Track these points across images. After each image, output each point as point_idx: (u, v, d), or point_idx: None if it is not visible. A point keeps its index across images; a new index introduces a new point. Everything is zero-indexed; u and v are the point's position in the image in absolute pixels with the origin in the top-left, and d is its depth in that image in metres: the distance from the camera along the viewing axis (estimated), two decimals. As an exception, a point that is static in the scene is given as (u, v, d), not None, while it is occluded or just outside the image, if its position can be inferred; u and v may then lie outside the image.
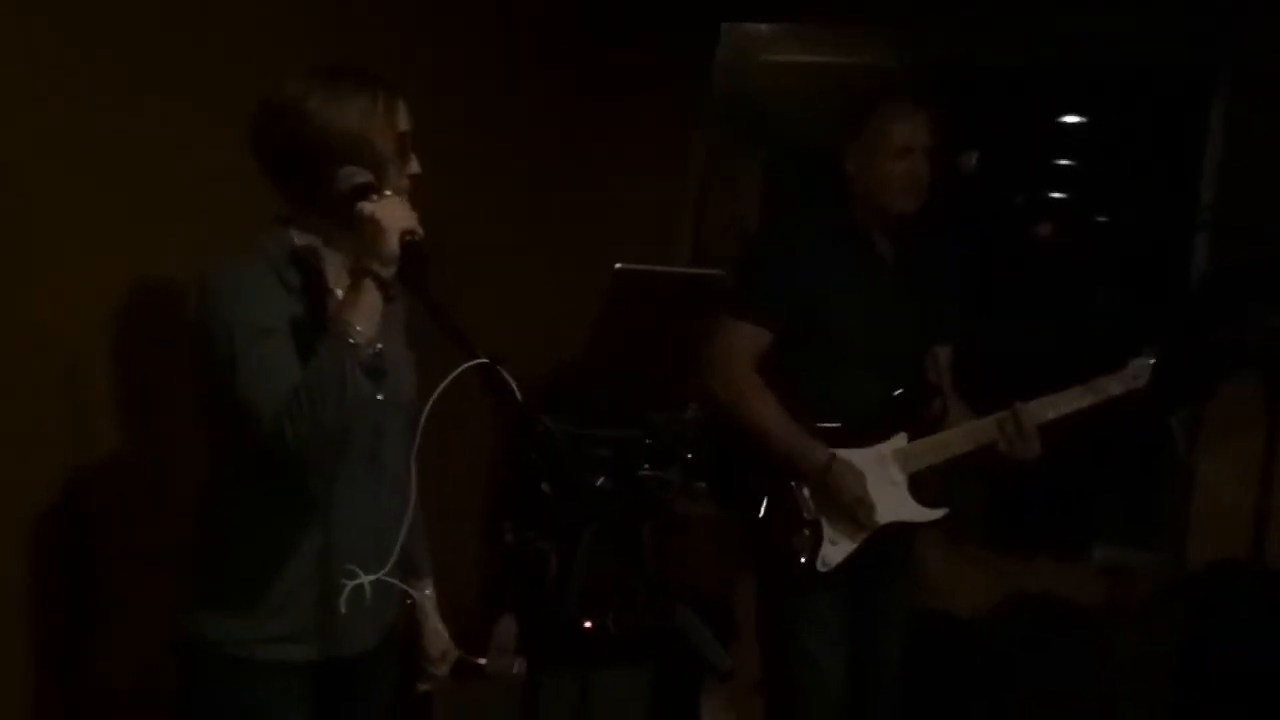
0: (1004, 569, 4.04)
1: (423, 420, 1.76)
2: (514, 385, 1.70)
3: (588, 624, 3.23)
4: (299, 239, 1.94)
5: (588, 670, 3.20)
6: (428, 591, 2.21)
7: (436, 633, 2.23)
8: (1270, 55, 3.67)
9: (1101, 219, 4.12)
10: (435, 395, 1.72)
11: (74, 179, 2.21)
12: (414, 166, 1.96)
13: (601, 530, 1.74)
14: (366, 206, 1.81)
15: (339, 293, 1.95)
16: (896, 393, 2.88)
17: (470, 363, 1.68)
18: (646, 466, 1.59)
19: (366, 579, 1.86)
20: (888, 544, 2.87)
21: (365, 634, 2.02)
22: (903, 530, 2.90)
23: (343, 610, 1.88)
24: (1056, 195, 4.65)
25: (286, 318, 1.86)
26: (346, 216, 1.87)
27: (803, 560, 2.80)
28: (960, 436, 2.87)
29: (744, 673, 3.51)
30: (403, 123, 1.94)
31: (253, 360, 1.80)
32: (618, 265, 1.60)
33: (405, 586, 2.08)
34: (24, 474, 2.15)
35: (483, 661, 2.25)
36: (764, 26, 4.41)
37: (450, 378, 1.71)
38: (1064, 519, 4.22)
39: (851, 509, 2.80)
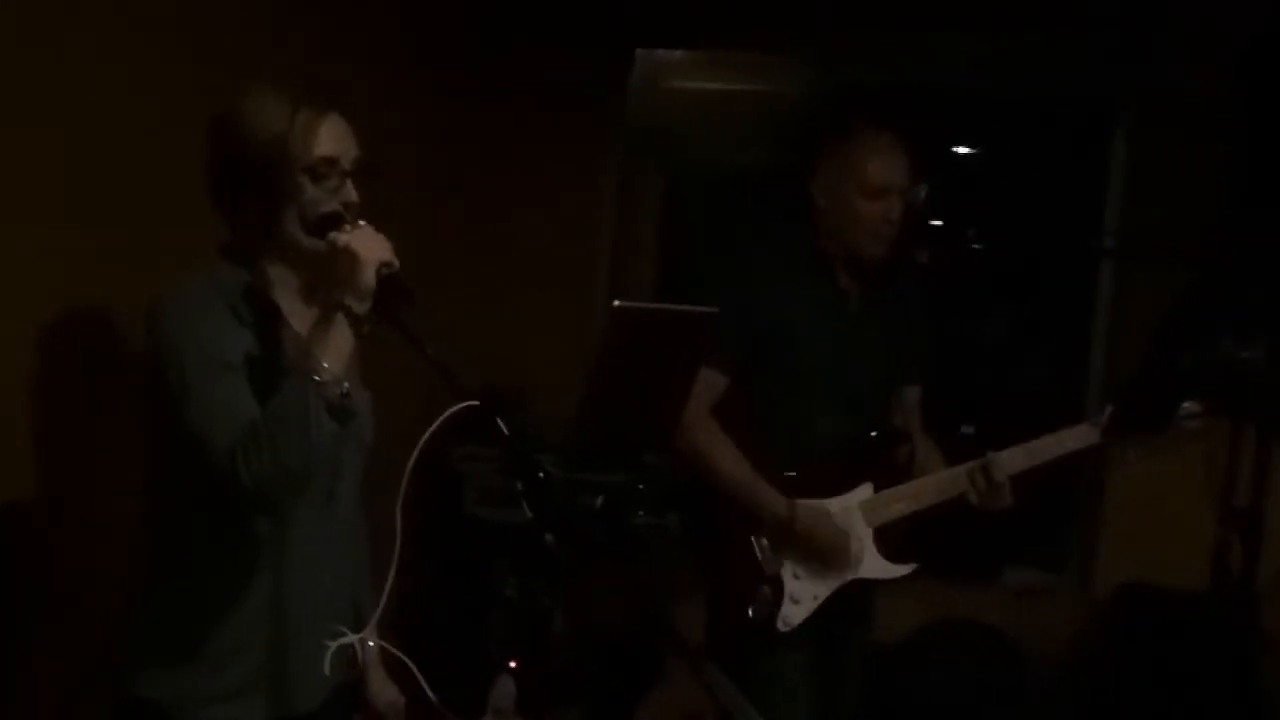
0: (922, 594, 4.06)
1: (410, 466, 1.66)
2: (505, 429, 1.62)
3: (513, 664, 3.14)
4: (249, 271, 1.85)
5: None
6: (371, 642, 2.09)
7: (383, 684, 2.14)
8: (1172, 86, 3.78)
9: (977, 246, 4.17)
10: (425, 439, 1.63)
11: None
12: (348, 194, 1.83)
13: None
14: (340, 237, 1.74)
15: (295, 326, 1.87)
16: (862, 438, 2.74)
17: (461, 405, 1.60)
18: (641, 513, 1.51)
19: (355, 638, 1.76)
20: (849, 596, 2.75)
21: (317, 690, 1.91)
22: (865, 584, 2.77)
23: (327, 672, 1.78)
24: (935, 221, 4.70)
25: (241, 351, 1.78)
26: (296, 248, 1.81)
27: (763, 620, 2.65)
28: (929, 487, 2.75)
29: (676, 705, 3.45)
30: (325, 146, 1.81)
31: (207, 392, 1.71)
32: (616, 303, 1.53)
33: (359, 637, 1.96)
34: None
35: (478, 726, 2.15)
36: (677, 53, 4.40)
37: (441, 420, 1.62)
38: (978, 542, 4.25)
39: (826, 554, 2.68)
